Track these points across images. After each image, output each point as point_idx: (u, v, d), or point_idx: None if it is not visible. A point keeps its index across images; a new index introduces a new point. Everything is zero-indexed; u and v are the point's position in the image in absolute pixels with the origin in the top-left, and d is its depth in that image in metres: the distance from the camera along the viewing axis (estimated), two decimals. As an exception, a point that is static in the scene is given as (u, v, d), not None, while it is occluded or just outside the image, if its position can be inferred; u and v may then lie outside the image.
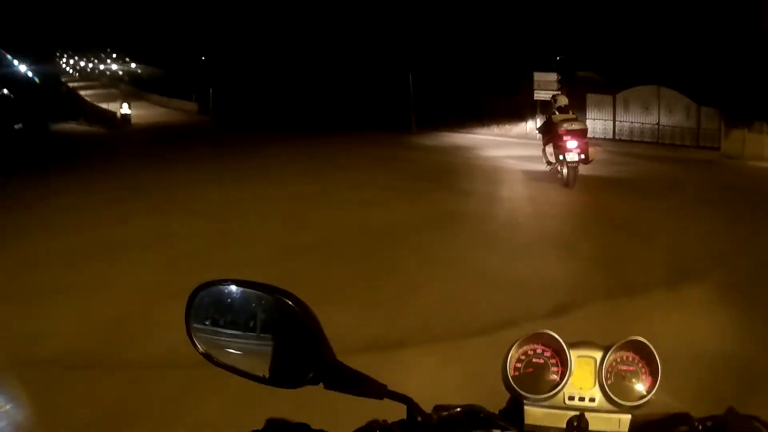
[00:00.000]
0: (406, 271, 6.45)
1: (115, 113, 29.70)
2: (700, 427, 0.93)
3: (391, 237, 7.80)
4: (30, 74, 38.14)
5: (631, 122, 18.08)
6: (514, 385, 0.97)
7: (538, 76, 18.25)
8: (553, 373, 1.00)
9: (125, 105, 30.00)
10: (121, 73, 61.66)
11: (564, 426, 0.93)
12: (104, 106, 32.46)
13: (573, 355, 0.98)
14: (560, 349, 1.00)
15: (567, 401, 0.97)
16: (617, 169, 12.73)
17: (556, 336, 0.99)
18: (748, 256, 6.74)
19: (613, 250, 7.15)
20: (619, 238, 7.76)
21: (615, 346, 0.99)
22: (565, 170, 10.35)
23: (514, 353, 1.01)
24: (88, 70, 72.38)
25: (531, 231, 8.21)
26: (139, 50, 43.30)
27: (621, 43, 19.08)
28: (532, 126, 18.48)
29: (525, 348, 1.02)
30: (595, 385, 0.98)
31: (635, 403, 0.95)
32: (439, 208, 9.39)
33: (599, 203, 9.89)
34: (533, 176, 11.96)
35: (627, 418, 0.95)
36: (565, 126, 10.35)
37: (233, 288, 0.91)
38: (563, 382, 0.97)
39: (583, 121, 11.70)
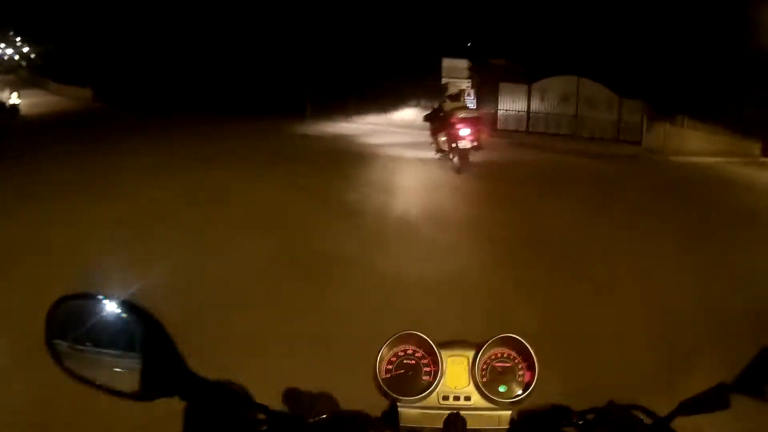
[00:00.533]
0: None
1: (3, 104, 27.03)
2: (581, 421, 0.96)
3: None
4: None
5: (548, 113, 16.81)
6: (384, 388, 0.97)
7: (447, 63, 16.87)
8: (426, 373, 1.00)
9: (14, 94, 27.45)
10: (17, 57, 57.58)
11: (441, 426, 0.93)
12: (-1, 95, 29.72)
13: (444, 354, 0.99)
14: (431, 350, 1.00)
15: (441, 401, 0.97)
16: (513, 158, 12.57)
17: (425, 337, 1.00)
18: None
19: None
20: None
21: (487, 344, 1.00)
22: (456, 158, 10.22)
23: (384, 355, 1.00)
24: None
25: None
26: (37, 31, 40.00)
27: (541, 31, 18.12)
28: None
29: (396, 350, 1.02)
30: (469, 384, 0.99)
31: (511, 400, 0.96)
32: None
33: (485, 188, 9.90)
34: (425, 164, 11.35)
35: (507, 414, 0.96)
36: (458, 114, 10.21)
37: (93, 302, 0.88)
38: (436, 382, 0.97)
39: (475, 110, 12.00)
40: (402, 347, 1.01)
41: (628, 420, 0.95)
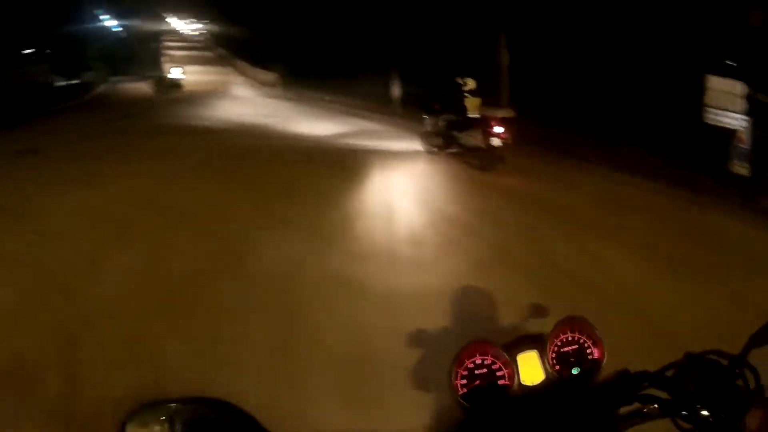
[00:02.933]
0: None
1: (163, 77, 28.93)
2: (662, 380, 0.97)
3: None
4: (119, 30, 39.43)
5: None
6: (465, 404, 0.99)
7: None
8: (501, 377, 1.02)
9: (178, 70, 29.22)
10: (205, 33, 60.23)
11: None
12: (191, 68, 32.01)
13: (514, 354, 1.03)
14: (499, 353, 1.02)
15: (526, 399, 1.00)
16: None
17: (491, 342, 1.02)
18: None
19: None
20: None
21: (552, 332, 1.05)
22: (481, 155, 10.16)
23: (455, 371, 1.01)
24: (190, 31, 71.75)
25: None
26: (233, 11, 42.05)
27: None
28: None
29: (465, 364, 1.02)
30: (545, 375, 1.03)
31: (587, 379, 1.02)
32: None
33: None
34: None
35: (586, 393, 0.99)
36: (492, 111, 10.36)
37: (170, 406, 0.84)
38: (514, 384, 1.01)
39: (507, 108, 11.32)
40: (470, 360, 1.02)
41: (707, 366, 0.95)
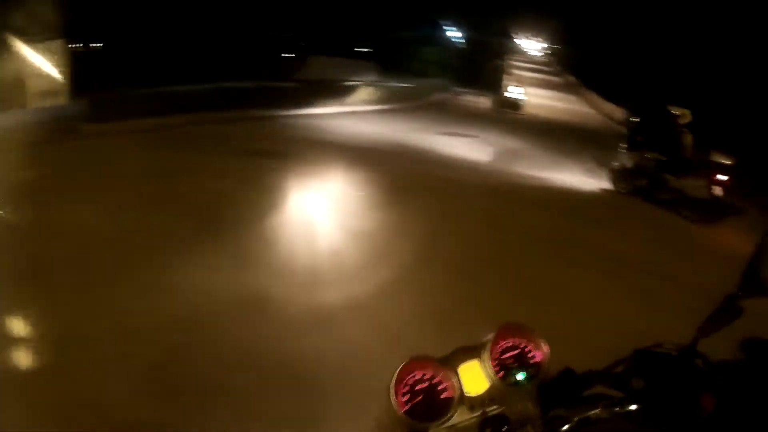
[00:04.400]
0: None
1: (502, 95, 25.91)
2: (612, 377, 1.00)
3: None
4: (460, 41, 37.35)
5: None
6: (410, 420, 0.95)
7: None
8: (443, 391, 1.00)
9: (518, 89, 26.16)
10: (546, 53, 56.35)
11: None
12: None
13: (454, 366, 1.01)
14: (438, 367, 1.01)
15: (470, 411, 0.97)
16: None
17: (428, 357, 1.00)
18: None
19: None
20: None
21: (490, 340, 1.02)
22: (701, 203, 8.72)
23: (394, 390, 0.98)
24: (537, 52, 66.03)
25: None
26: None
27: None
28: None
29: (404, 381, 1.00)
30: (489, 384, 1.00)
31: (532, 383, 1.01)
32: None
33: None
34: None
35: (533, 398, 0.99)
36: (714, 156, 8.90)
37: None
38: (457, 396, 0.98)
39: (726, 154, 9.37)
40: (409, 376, 0.99)
41: (657, 359, 0.98)
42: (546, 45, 65.96)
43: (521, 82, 29.63)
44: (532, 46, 69.04)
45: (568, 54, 48.18)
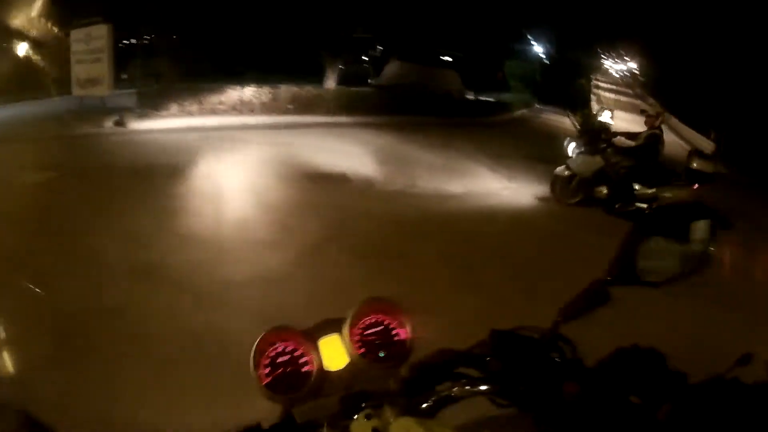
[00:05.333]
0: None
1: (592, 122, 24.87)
2: (472, 358, 0.96)
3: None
4: (544, 57, 36.14)
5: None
6: (270, 393, 0.93)
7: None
8: (304, 364, 0.96)
9: (606, 113, 25.01)
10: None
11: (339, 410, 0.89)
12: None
13: (316, 339, 0.97)
14: (300, 340, 0.97)
15: (330, 385, 0.94)
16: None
17: (290, 327, 0.97)
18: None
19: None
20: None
21: (353, 314, 0.98)
22: None
23: (256, 361, 0.95)
24: (620, 72, 63.96)
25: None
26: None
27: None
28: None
29: (266, 352, 0.96)
30: (349, 360, 0.96)
31: (393, 362, 0.97)
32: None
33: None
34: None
35: (396, 376, 0.95)
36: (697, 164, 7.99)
37: None
38: (317, 371, 0.95)
39: None
40: (272, 347, 0.95)
41: (516, 342, 0.96)
42: (631, 66, 63.78)
43: (605, 103, 28.56)
44: (618, 66, 66.96)
45: (652, 76, 46.66)
